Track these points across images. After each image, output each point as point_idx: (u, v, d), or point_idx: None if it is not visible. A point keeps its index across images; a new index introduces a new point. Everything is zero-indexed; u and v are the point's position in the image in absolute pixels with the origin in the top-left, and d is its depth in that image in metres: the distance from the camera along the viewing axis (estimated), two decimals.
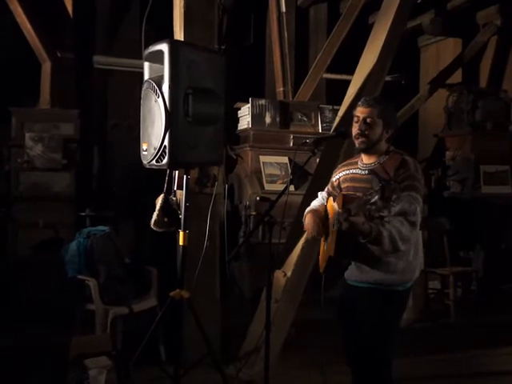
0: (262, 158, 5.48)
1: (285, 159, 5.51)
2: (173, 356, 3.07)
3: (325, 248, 2.48)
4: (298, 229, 3.73)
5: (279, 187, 5.08)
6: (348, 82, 3.90)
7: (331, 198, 2.49)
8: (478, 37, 6.94)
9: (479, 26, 7.03)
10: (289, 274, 3.64)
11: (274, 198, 2.98)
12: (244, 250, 4.99)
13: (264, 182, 5.36)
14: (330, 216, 2.44)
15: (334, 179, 2.63)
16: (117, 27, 6.24)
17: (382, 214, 2.15)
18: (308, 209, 2.62)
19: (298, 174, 4.63)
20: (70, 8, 5.93)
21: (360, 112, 2.45)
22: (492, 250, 5.99)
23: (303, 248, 3.64)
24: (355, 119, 2.47)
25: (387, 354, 2.46)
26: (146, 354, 2.98)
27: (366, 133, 2.42)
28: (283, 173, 5.45)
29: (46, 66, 5.77)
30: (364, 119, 2.43)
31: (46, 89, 5.75)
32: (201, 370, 3.10)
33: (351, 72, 3.91)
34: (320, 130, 5.79)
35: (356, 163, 2.55)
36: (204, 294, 3.51)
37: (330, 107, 5.89)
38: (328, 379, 3.36)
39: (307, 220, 2.52)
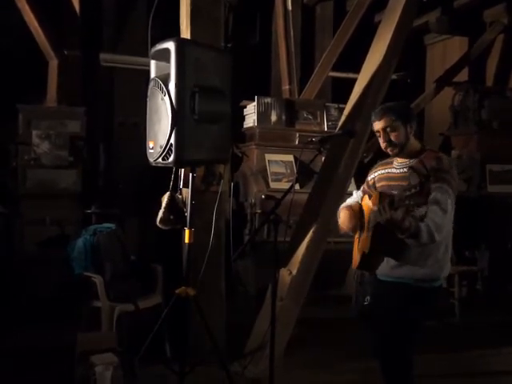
0: (268, 157, 5.48)
1: (290, 157, 5.52)
2: (178, 353, 3.08)
3: (359, 245, 2.55)
4: (304, 227, 3.75)
5: (284, 185, 5.09)
6: (354, 81, 3.89)
7: (366, 196, 2.57)
8: (485, 35, 6.92)
9: (486, 25, 7.00)
10: (294, 272, 3.64)
11: (279, 196, 2.99)
12: (249, 248, 5.00)
13: (269, 180, 5.36)
14: (364, 213, 2.52)
15: (369, 178, 2.70)
16: (123, 25, 6.26)
17: (419, 212, 2.22)
18: (342, 205, 2.71)
19: (303, 173, 4.63)
20: (76, 6, 5.95)
21: (377, 125, 2.52)
22: (497, 249, 5.97)
23: (308, 246, 3.65)
24: (377, 134, 2.54)
25: (406, 351, 2.51)
26: (152, 350, 3.00)
27: (393, 140, 2.49)
28: (288, 171, 5.45)
29: (53, 64, 5.80)
30: (384, 129, 2.49)
31: (53, 86, 5.78)
32: (206, 367, 3.12)
33: (357, 70, 3.90)
34: (325, 129, 5.80)
35: (391, 163, 2.62)
36: (209, 292, 3.52)
37: (336, 106, 5.89)
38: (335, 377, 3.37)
39: (342, 215, 2.62)
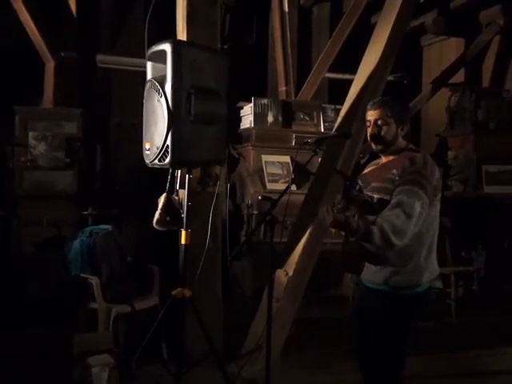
0: (264, 157, 5.49)
1: (287, 158, 5.53)
2: (175, 354, 3.09)
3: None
4: (300, 228, 3.75)
5: (281, 186, 5.10)
6: (351, 82, 3.90)
7: None
8: (481, 36, 6.93)
9: (482, 26, 7.02)
10: (290, 273, 3.65)
11: (275, 197, 2.99)
12: (246, 249, 5.01)
13: (266, 181, 5.37)
14: None
15: (359, 180, 2.66)
16: (120, 27, 6.27)
17: (347, 215, 2.15)
18: None
19: (299, 174, 4.65)
20: (73, 7, 5.95)
21: (370, 115, 2.46)
22: (494, 249, 5.98)
23: (305, 247, 3.65)
24: (367, 123, 2.48)
25: (391, 358, 2.45)
26: (148, 351, 3.00)
27: (380, 134, 2.42)
28: (285, 172, 5.46)
29: (50, 66, 5.80)
30: (375, 121, 2.43)
31: (50, 88, 5.78)
32: (202, 368, 3.12)
33: (354, 71, 3.91)
34: (322, 130, 5.81)
35: (378, 164, 2.56)
36: (206, 293, 3.53)
37: (333, 107, 5.91)
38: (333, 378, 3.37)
39: None
